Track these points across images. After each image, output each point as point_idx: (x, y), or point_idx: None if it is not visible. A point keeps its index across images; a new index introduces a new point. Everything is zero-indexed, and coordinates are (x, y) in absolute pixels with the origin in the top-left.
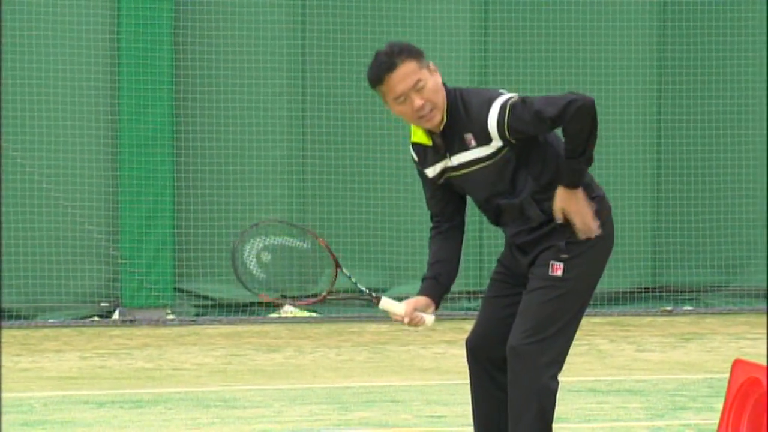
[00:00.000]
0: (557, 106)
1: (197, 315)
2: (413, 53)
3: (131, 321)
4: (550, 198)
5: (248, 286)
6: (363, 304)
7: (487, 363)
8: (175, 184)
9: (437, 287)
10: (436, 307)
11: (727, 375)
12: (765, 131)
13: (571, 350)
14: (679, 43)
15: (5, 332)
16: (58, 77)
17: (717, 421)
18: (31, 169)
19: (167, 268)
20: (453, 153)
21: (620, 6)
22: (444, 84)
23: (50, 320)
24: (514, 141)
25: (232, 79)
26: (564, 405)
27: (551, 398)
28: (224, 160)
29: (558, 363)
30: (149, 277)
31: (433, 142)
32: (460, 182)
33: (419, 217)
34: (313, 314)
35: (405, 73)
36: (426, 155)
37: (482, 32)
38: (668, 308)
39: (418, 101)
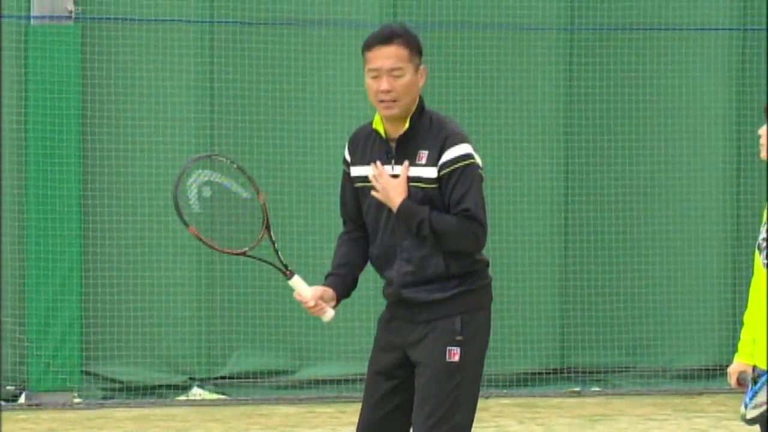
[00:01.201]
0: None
1: (105, 398)
2: (413, 45)
3: (37, 405)
4: (456, 257)
5: (182, 215)
6: (272, 385)
7: None
8: (83, 266)
9: (342, 287)
10: (336, 305)
11: None
12: (667, 213)
13: None
14: (585, 120)
15: None
16: None
17: None
18: None
19: (75, 351)
20: (399, 162)
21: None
22: (422, 100)
23: None
24: (439, 183)
25: (140, 157)
26: None
27: None
28: (133, 242)
29: None
30: (56, 360)
31: (388, 141)
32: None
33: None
34: (222, 396)
35: (392, 54)
36: (366, 151)
37: None
38: (576, 389)
39: (385, 85)
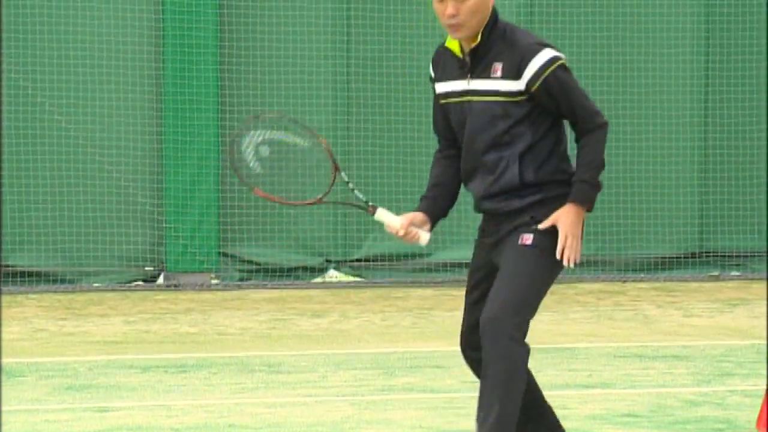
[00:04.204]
0: (590, 105)
1: (242, 280)
2: None
3: (176, 286)
4: (533, 167)
5: (243, 179)
6: (407, 268)
7: (475, 357)
8: (220, 148)
9: (435, 208)
10: (431, 228)
11: None
12: None
13: (618, 315)
14: (727, 14)
15: (50, 296)
16: (102, 41)
17: (764, 387)
18: (75, 133)
19: (212, 233)
20: (474, 77)
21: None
22: (495, 12)
23: (95, 284)
24: (532, 97)
25: (276, 43)
26: (610, 370)
27: (521, 366)
28: (269, 122)
29: (526, 329)
30: (194, 242)
31: (463, 56)
32: (463, 111)
33: None
34: (358, 279)
35: None
36: (446, 68)
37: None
38: (715, 273)
39: (451, 9)
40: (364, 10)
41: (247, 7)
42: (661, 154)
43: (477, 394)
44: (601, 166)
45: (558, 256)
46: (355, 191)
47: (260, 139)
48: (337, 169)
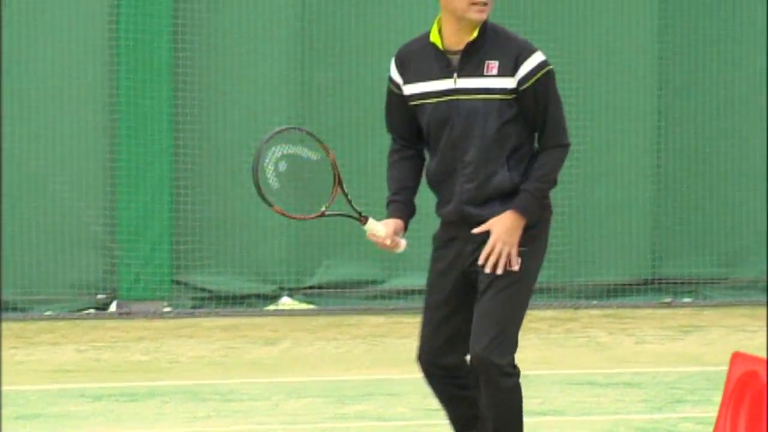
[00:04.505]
0: (564, 121)
1: (194, 307)
2: None
3: (128, 313)
4: (518, 171)
5: (265, 197)
6: (361, 295)
7: (444, 372)
8: (174, 174)
9: (407, 212)
10: (404, 233)
11: (726, 368)
12: (765, 123)
13: (570, 342)
14: (680, 27)
15: (1, 324)
16: (55, 67)
17: (715, 414)
18: (28, 159)
19: (165, 260)
20: (462, 75)
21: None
22: None
23: (46, 312)
24: (518, 97)
25: (231, 68)
26: (562, 398)
27: (520, 393)
28: (224, 150)
29: (515, 356)
30: (146, 270)
31: (447, 56)
32: (446, 110)
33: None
34: (311, 306)
35: None
36: (421, 67)
37: None
38: (667, 300)
39: None
40: (319, 34)
41: (201, 35)
42: (613, 180)
43: (430, 421)
44: (551, 183)
45: (481, 261)
46: (352, 203)
47: (279, 154)
48: (339, 183)
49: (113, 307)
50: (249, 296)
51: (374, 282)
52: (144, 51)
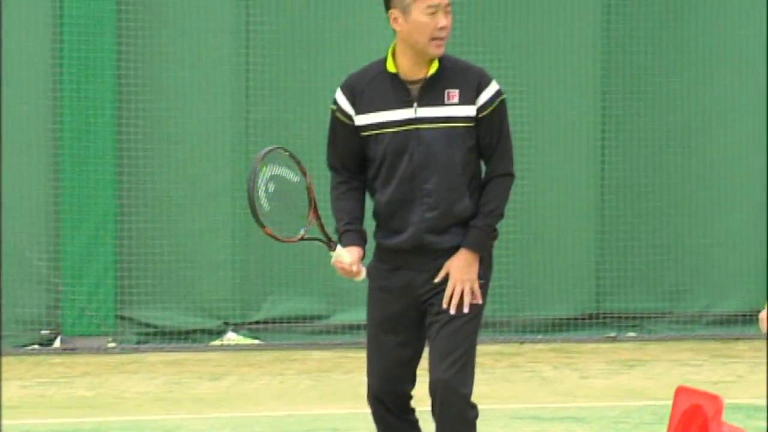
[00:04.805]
0: (511, 152)
1: (139, 342)
2: None
3: (72, 349)
4: (476, 199)
5: (258, 218)
6: (306, 330)
7: (394, 405)
8: (118, 210)
9: (362, 241)
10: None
11: (671, 402)
12: (705, 159)
13: (515, 377)
14: (622, 62)
15: None
16: None
17: None
18: None
19: (109, 295)
20: (423, 104)
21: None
22: None
23: None
24: (476, 125)
25: (174, 104)
26: None
27: (475, 423)
28: (168, 186)
29: (472, 386)
30: (91, 305)
31: (406, 86)
32: (404, 140)
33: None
34: (256, 341)
35: None
36: (376, 97)
37: None
38: (612, 335)
39: (443, 21)
40: (263, 65)
41: (145, 70)
42: (557, 215)
43: None
44: (500, 215)
45: (444, 305)
46: (324, 228)
47: (269, 174)
48: (314, 208)
49: (57, 343)
50: (194, 331)
51: (319, 317)
52: (87, 86)
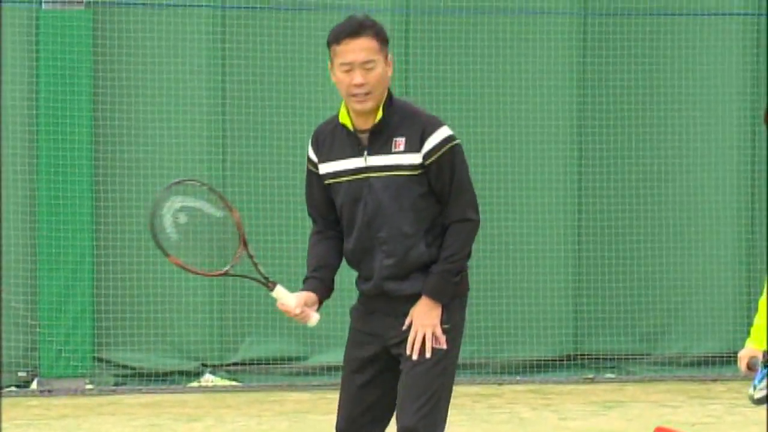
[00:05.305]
0: (472, 196)
1: (116, 384)
2: (381, 35)
3: (50, 391)
4: (436, 245)
5: (161, 245)
6: (284, 372)
7: None
8: (95, 252)
9: (322, 289)
10: (318, 308)
11: None
12: (680, 202)
13: (494, 418)
14: (597, 105)
15: None
16: None
17: None
18: None
19: (86, 338)
20: (372, 153)
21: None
22: (389, 89)
23: None
24: (425, 172)
25: (150, 144)
26: None
27: None
28: (144, 228)
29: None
30: (68, 347)
31: (357, 135)
32: (358, 189)
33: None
34: (234, 383)
35: (363, 47)
36: (334, 147)
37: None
38: (590, 376)
39: (359, 78)
40: (239, 107)
41: (121, 111)
42: (535, 256)
43: None
44: (459, 262)
45: (408, 352)
46: (258, 266)
47: (179, 205)
48: (244, 243)
49: (35, 385)
50: (171, 373)
51: (297, 358)
52: (64, 127)
